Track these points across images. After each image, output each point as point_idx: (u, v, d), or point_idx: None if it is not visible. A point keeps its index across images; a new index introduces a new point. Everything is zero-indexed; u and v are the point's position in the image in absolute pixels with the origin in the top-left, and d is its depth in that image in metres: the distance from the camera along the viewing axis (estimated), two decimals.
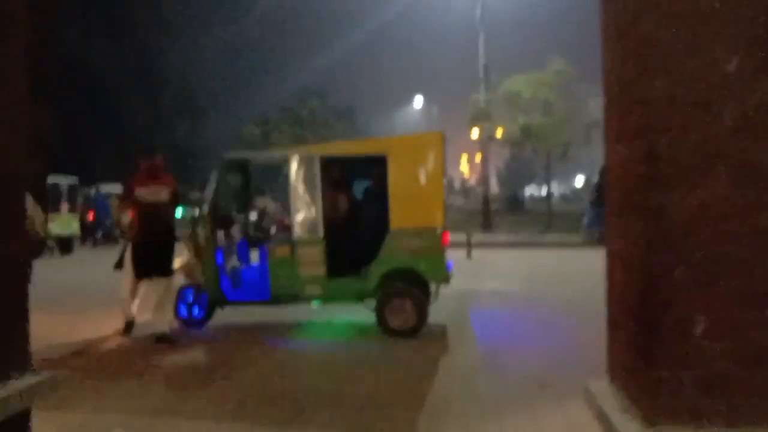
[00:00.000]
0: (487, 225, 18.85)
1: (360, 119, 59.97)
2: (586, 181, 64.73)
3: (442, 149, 6.35)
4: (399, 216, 6.33)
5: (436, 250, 6.30)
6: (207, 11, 36.09)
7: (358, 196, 7.28)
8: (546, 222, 18.97)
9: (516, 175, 73.69)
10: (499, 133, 18.61)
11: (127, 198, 6.40)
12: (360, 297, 6.59)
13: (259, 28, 39.27)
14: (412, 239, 6.31)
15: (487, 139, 18.47)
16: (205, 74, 36.10)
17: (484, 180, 20.26)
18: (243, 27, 37.77)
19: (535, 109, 17.65)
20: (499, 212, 36.84)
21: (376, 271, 6.40)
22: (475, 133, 20.76)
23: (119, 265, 6.66)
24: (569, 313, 7.68)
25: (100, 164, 27.40)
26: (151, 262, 6.23)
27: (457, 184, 78.32)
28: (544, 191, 74.17)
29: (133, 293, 6.50)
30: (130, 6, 31.25)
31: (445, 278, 6.42)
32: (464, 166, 68.32)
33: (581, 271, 11.70)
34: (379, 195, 6.61)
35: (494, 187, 74.34)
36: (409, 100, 57.52)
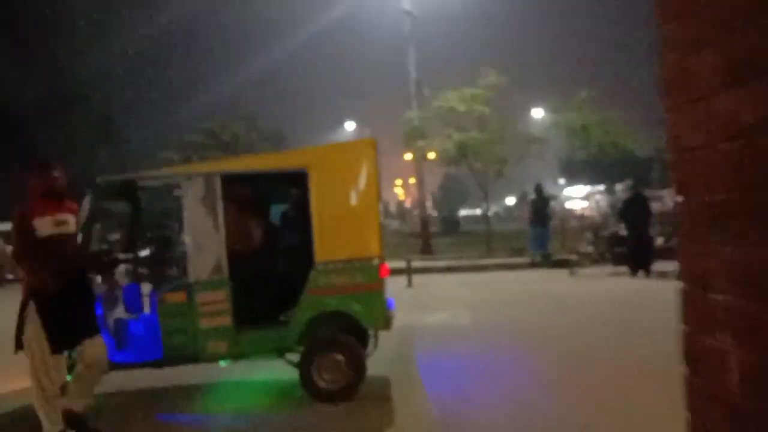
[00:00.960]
0: (426, 249, 17.73)
1: (290, 144, 58.45)
2: (520, 200, 65.39)
3: (374, 160, 5.10)
4: (325, 245, 5.01)
5: (373, 286, 5.00)
6: (122, 31, 34.04)
7: (274, 222, 5.92)
8: (485, 243, 18.02)
9: (450, 196, 73.93)
10: (431, 154, 17.65)
11: (20, 239, 4.24)
12: (280, 350, 5.21)
13: (182, 51, 37.62)
14: (343, 274, 5.00)
15: (421, 158, 17.47)
16: (124, 98, 34.07)
17: (420, 202, 19.19)
18: (165, 50, 35.97)
19: (470, 125, 16.81)
20: (436, 234, 36.12)
21: (298, 317, 5.04)
22: (408, 156, 19.82)
23: (19, 344, 4.23)
24: (530, 346, 6.62)
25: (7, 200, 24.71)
26: (70, 323, 4.23)
27: (392, 207, 77.82)
28: (478, 211, 74.83)
29: (55, 380, 4.19)
30: (40, 30, 28.90)
31: (386, 322, 5.13)
32: (399, 189, 67.79)
33: (531, 294, 10.71)
34: (300, 220, 5.29)
35: (430, 208, 74.49)
36: (341, 123, 56.69)
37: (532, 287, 11.71)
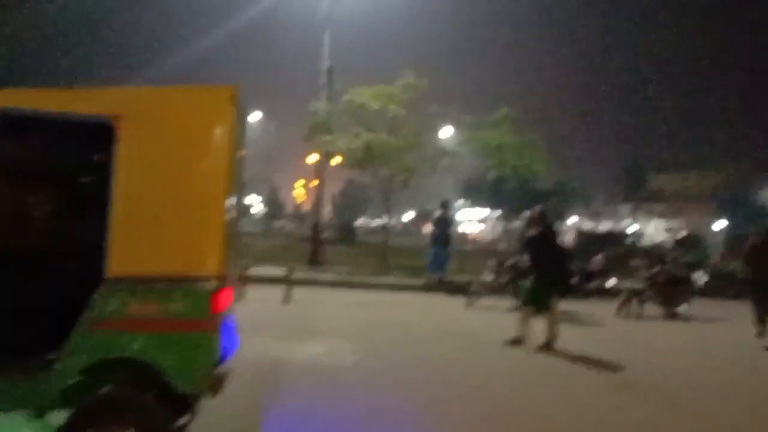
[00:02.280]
0: (315, 258, 15.84)
1: None
2: (418, 216, 64.91)
3: (231, 122, 3.25)
4: (125, 251, 3.08)
5: (198, 324, 3.12)
6: None
7: (53, 206, 3.84)
8: (381, 258, 16.43)
9: (351, 203, 72.27)
10: (334, 160, 15.85)
11: None
12: (39, 410, 3.19)
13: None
14: (149, 301, 3.09)
15: (325, 157, 15.64)
16: None
17: (317, 205, 17.27)
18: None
19: (381, 127, 15.22)
20: (329, 242, 34.27)
21: (67, 363, 3.07)
22: (312, 157, 18.00)
23: None
24: (425, 396, 4.99)
25: None
26: None
27: (289, 209, 74.94)
28: (375, 223, 73.65)
29: None
30: None
31: (212, 382, 3.24)
32: (300, 191, 65.08)
33: (426, 324, 9.17)
34: (94, 206, 3.30)
35: (328, 214, 72.40)
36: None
37: (427, 316, 10.20)
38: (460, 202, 61.68)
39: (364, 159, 15.06)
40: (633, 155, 46.39)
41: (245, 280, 10.56)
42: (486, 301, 11.80)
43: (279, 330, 7.86)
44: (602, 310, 11.98)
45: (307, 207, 60.01)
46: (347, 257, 20.63)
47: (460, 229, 22.47)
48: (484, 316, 10.77)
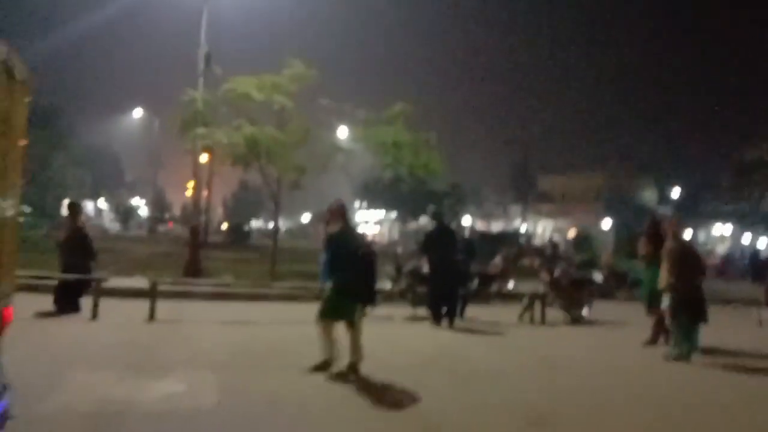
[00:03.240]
0: (192, 267, 14.09)
1: (61, 124, 50.00)
2: (315, 218, 63.35)
3: None
4: None
5: None
6: None
7: None
8: (270, 264, 14.98)
9: (243, 207, 69.31)
10: (202, 157, 14.20)
11: None
12: None
13: None
14: None
15: (200, 150, 13.93)
16: None
17: (195, 206, 15.42)
18: None
19: (266, 120, 13.80)
20: (219, 246, 32.13)
21: None
22: (204, 157, 16.24)
23: None
24: None
25: None
26: None
27: (177, 211, 70.58)
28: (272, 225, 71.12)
29: None
30: None
31: None
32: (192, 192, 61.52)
33: (313, 345, 7.93)
34: None
35: (218, 216, 69.05)
36: (129, 108, 49.77)
37: (313, 332, 8.97)
38: (357, 203, 60.95)
39: (247, 155, 13.56)
40: (522, 156, 47.57)
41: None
42: (383, 310, 10.77)
43: (132, 361, 6.34)
44: (504, 314, 11.34)
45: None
46: (234, 264, 18.95)
47: (359, 230, 21.28)
48: (378, 329, 9.72)
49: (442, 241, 10.01)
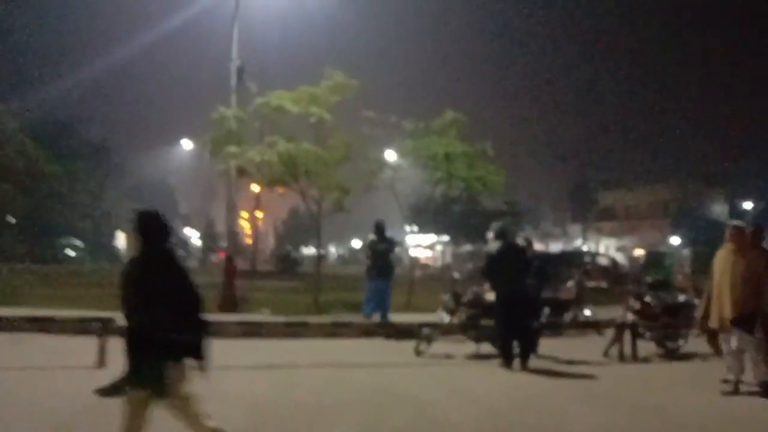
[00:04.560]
0: (229, 303, 12.74)
1: (114, 159, 50.77)
2: (365, 244, 62.00)
3: None
4: None
5: None
6: None
7: None
8: (314, 294, 13.57)
9: (295, 232, 68.62)
10: (233, 174, 13.01)
11: None
12: None
13: None
14: None
15: (236, 173, 12.74)
16: None
17: (230, 235, 14.16)
18: None
19: (303, 136, 12.51)
20: (265, 276, 31.11)
21: None
22: (256, 186, 15.10)
23: None
24: None
25: None
26: None
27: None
28: (330, 251, 69.77)
29: None
30: None
31: None
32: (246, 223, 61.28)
33: (354, 387, 6.31)
34: None
35: (270, 244, 68.71)
36: (177, 139, 50.21)
37: (355, 377, 7.42)
38: (407, 228, 59.32)
39: (284, 175, 12.26)
40: (581, 172, 45.13)
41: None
42: (440, 348, 9.15)
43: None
44: (584, 348, 9.54)
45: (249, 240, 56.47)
46: (278, 294, 17.64)
47: (411, 253, 19.80)
48: (435, 372, 8.10)
49: (509, 263, 8.32)
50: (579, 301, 12.06)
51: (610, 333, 9.65)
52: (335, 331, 10.74)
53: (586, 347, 9.60)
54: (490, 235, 8.98)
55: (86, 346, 7.63)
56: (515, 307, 8.21)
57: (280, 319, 11.41)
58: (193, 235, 71.96)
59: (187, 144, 48.38)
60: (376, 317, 11.17)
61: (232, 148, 11.74)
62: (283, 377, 7.37)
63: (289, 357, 8.64)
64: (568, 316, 11.75)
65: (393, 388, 6.78)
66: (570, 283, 12.59)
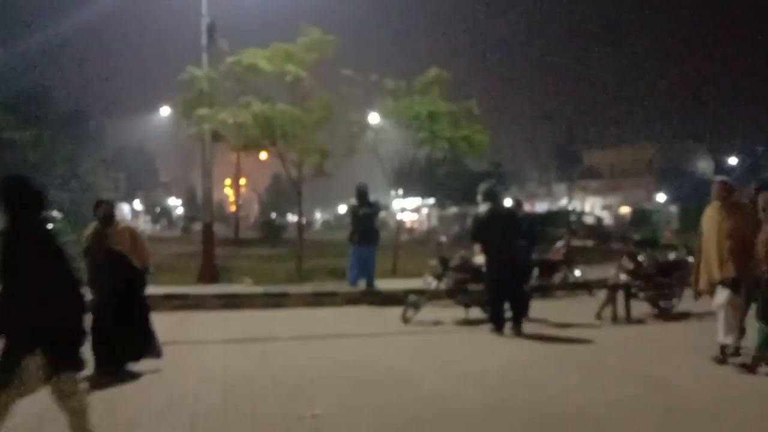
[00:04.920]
0: (207, 273, 12.24)
1: (86, 126, 49.33)
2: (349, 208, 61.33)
3: None
4: None
5: None
6: None
7: None
8: (296, 261, 13.13)
9: (280, 199, 67.68)
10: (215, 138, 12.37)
11: None
12: None
13: None
14: None
15: (209, 134, 12.05)
16: None
17: (207, 203, 13.42)
18: None
19: (280, 97, 11.86)
20: (250, 243, 30.66)
21: None
22: (263, 155, 14.42)
23: None
24: None
25: None
26: None
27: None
28: (317, 216, 68.85)
29: None
30: None
31: None
32: (229, 190, 60.32)
33: (337, 364, 5.88)
34: None
35: (254, 211, 67.85)
36: (156, 107, 48.85)
37: (340, 350, 7.04)
38: (393, 192, 58.67)
39: (260, 137, 11.65)
40: (566, 131, 44.66)
41: None
42: (428, 315, 8.79)
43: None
44: (576, 310, 9.24)
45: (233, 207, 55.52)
46: (261, 262, 17.18)
47: (398, 217, 19.41)
48: (423, 341, 7.74)
49: (499, 226, 7.91)
50: (568, 262, 11.75)
51: (601, 294, 9.36)
52: (318, 300, 10.34)
53: (578, 309, 9.31)
54: (480, 197, 8.55)
55: None
56: (506, 270, 7.83)
57: (260, 289, 10.97)
58: (177, 204, 70.83)
59: (165, 110, 47.17)
60: (362, 284, 10.78)
61: (203, 110, 11.07)
62: (262, 351, 6.96)
63: (270, 329, 8.23)
64: (557, 278, 11.46)
65: (378, 361, 6.39)
66: (559, 244, 12.27)
